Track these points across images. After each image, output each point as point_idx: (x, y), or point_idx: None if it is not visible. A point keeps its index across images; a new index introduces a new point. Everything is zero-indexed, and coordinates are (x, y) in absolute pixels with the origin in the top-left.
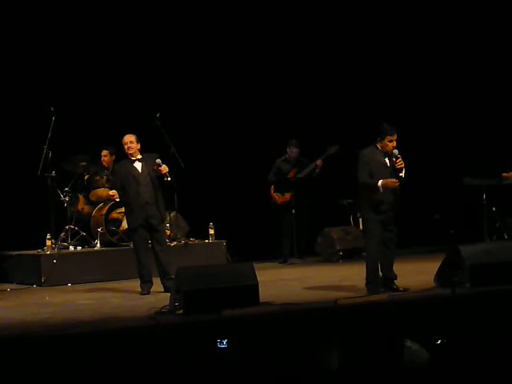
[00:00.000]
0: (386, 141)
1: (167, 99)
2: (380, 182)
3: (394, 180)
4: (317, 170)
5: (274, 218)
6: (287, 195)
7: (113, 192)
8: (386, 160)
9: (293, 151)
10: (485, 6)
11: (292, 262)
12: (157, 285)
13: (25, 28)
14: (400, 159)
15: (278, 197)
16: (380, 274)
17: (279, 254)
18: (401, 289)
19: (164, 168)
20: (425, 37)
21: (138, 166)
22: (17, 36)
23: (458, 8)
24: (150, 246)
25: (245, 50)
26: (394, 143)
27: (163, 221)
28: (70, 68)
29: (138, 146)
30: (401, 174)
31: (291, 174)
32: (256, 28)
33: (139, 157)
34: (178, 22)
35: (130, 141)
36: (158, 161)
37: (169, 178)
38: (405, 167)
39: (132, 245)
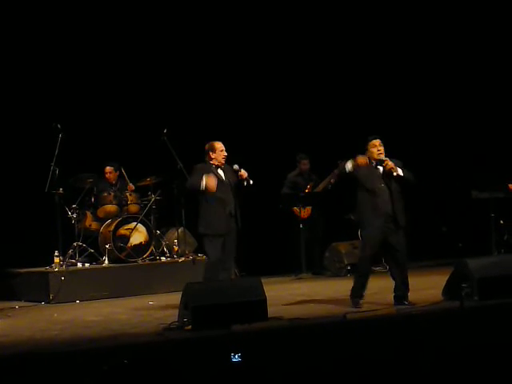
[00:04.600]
0: (370, 149)
1: (174, 115)
2: (348, 162)
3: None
4: (332, 181)
5: (292, 232)
6: (308, 209)
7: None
8: (378, 167)
9: (305, 164)
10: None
11: (300, 277)
12: (166, 301)
13: (32, 46)
14: (387, 160)
15: (301, 211)
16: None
17: (300, 268)
18: (405, 303)
19: (244, 172)
20: (429, 51)
21: (221, 173)
22: (23, 54)
23: (464, 19)
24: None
25: (251, 65)
26: (380, 149)
27: (239, 232)
28: (77, 85)
29: None
30: (395, 174)
31: (309, 189)
32: (262, 44)
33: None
34: (184, 37)
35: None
36: (236, 166)
37: (251, 182)
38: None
39: (206, 255)
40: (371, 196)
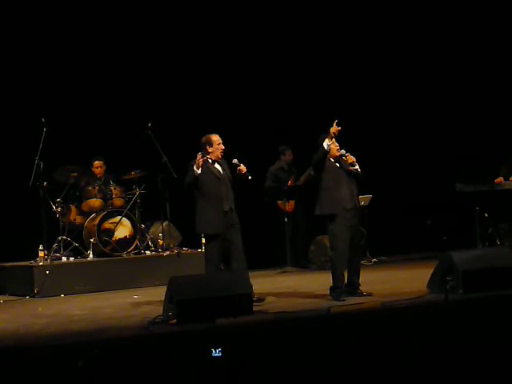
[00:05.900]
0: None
1: (158, 108)
2: (324, 142)
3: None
4: (311, 173)
5: (278, 226)
6: (292, 203)
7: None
8: (337, 164)
9: (290, 154)
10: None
11: (285, 270)
12: (151, 295)
13: (16, 39)
14: (348, 155)
15: (286, 205)
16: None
17: (285, 262)
18: (364, 293)
19: (243, 167)
20: (414, 47)
21: (219, 167)
22: (7, 47)
23: (446, 13)
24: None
25: (233, 59)
26: (337, 145)
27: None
28: (61, 79)
29: None
30: (356, 167)
31: (291, 182)
32: (243, 38)
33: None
34: (168, 31)
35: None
36: (235, 160)
37: (250, 177)
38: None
39: (205, 253)
40: (336, 190)
